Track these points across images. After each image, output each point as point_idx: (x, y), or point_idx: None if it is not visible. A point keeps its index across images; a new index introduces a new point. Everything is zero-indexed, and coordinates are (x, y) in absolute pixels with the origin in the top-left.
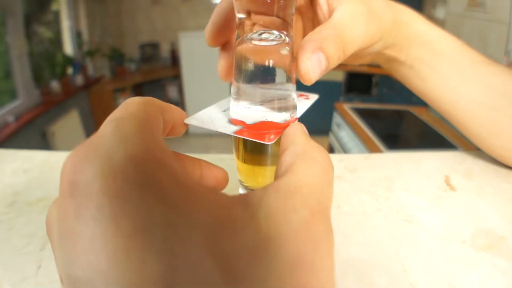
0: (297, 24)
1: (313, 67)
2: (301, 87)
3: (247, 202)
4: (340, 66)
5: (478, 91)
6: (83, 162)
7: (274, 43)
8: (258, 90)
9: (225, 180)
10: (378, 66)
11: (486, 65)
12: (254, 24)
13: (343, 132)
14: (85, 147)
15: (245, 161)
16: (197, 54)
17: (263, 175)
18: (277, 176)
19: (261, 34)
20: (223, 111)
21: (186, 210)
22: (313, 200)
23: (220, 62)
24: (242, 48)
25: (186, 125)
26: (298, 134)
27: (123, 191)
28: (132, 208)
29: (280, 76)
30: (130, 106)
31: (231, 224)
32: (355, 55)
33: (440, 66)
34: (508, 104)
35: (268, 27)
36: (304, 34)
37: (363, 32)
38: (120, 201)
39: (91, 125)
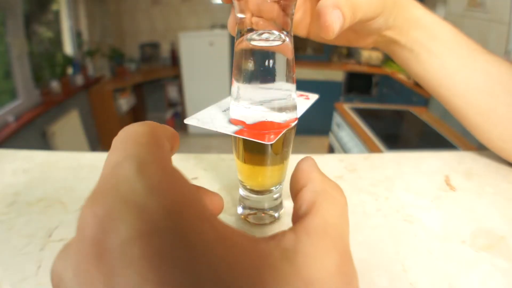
0: (305, 3)
1: (335, 20)
2: (301, 87)
3: (282, 248)
4: (341, 66)
5: (475, 77)
6: (112, 218)
7: (274, 43)
8: (258, 90)
9: (222, 206)
10: (378, 66)
11: (481, 53)
12: (254, 23)
13: (343, 132)
14: (109, 196)
15: (245, 161)
16: (197, 54)
17: (263, 175)
18: (298, 213)
19: (261, 34)
20: (223, 111)
21: (233, 265)
22: (339, 241)
23: (230, 17)
24: (242, 48)
25: (179, 144)
26: (314, 171)
27: (169, 253)
28: (182, 274)
29: (280, 76)
30: (139, 137)
31: (275, 273)
32: (360, 33)
33: (438, 51)
34: (504, 92)
35: (268, 27)
36: (312, 9)
37: (367, 2)
38: (167, 266)
39: (91, 125)
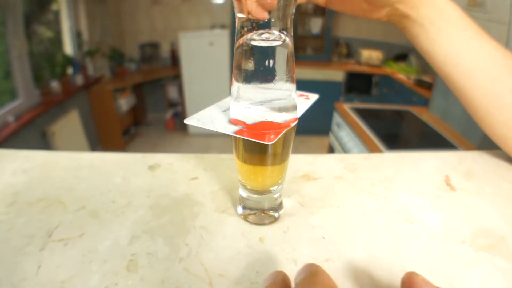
0: None
1: None
2: (301, 87)
3: None
4: (340, 66)
5: (481, 59)
6: None
7: (274, 43)
8: (258, 90)
9: None
10: (378, 66)
11: (487, 38)
12: (254, 23)
13: (343, 132)
14: None
15: (245, 161)
16: (197, 54)
17: (263, 175)
18: None
19: (261, 34)
20: (223, 111)
21: None
22: None
23: None
24: (242, 48)
25: None
26: None
27: None
28: None
29: (280, 76)
30: None
31: None
32: (374, 3)
33: (447, 29)
34: (509, 77)
35: (268, 27)
36: None
37: None
38: None
39: (91, 125)
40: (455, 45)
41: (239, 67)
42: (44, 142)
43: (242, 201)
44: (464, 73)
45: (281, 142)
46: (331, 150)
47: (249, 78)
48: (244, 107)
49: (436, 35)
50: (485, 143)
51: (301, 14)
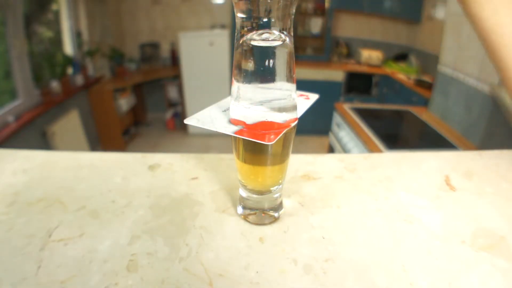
0: None
1: None
2: (301, 87)
3: None
4: (340, 66)
5: None
6: None
7: (274, 43)
8: (258, 90)
9: None
10: (378, 66)
11: None
12: (254, 23)
13: (343, 132)
14: None
15: (245, 161)
16: (197, 54)
17: (263, 175)
18: None
19: (261, 34)
20: (223, 111)
21: None
22: None
23: None
24: (243, 48)
25: None
26: None
27: None
28: None
29: (280, 76)
30: None
31: None
32: None
33: None
34: None
35: (268, 27)
36: None
37: None
38: None
39: (91, 125)
40: (501, 16)
41: (239, 67)
42: (44, 142)
43: (242, 201)
44: (508, 45)
45: (281, 142)
46: (331, 150)
47: (249, 78)
48: (244, 107)
49: (485, 2)
50: (485, 143)
51: (301, 14)
